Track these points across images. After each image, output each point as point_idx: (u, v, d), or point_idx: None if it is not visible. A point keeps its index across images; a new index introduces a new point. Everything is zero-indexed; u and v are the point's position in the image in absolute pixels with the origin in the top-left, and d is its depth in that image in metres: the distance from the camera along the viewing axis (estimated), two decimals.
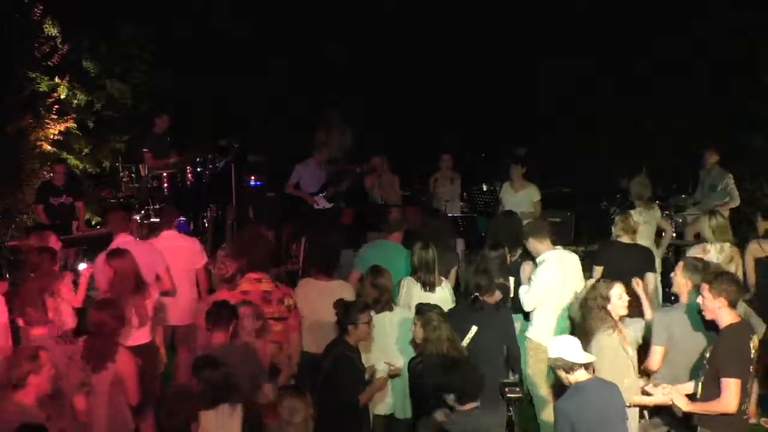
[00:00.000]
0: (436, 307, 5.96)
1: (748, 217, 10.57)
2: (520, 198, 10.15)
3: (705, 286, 5.40)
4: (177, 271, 7.51)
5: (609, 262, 7.31)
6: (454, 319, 6.13)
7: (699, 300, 5.47)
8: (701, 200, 10.58)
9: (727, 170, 10.63)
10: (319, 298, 6.72)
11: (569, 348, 5.13)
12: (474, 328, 6.17)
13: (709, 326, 5.57)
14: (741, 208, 10.59)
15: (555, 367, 5.18)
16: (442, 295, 6.80)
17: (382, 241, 7.81)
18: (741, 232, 9.22)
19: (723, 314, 5.36)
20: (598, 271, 7.27)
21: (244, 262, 6.93)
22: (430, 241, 7.02)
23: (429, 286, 6.81)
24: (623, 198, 11.53)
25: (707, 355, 5.42)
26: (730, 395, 5.23)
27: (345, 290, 6.78)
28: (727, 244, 7.35)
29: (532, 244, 7.06)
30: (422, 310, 5.95)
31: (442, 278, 7.02)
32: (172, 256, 7.56)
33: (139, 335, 6.67)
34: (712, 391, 5.32)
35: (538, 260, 7.03)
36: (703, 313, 5.46)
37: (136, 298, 6.62)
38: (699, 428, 5.47)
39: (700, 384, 5.47)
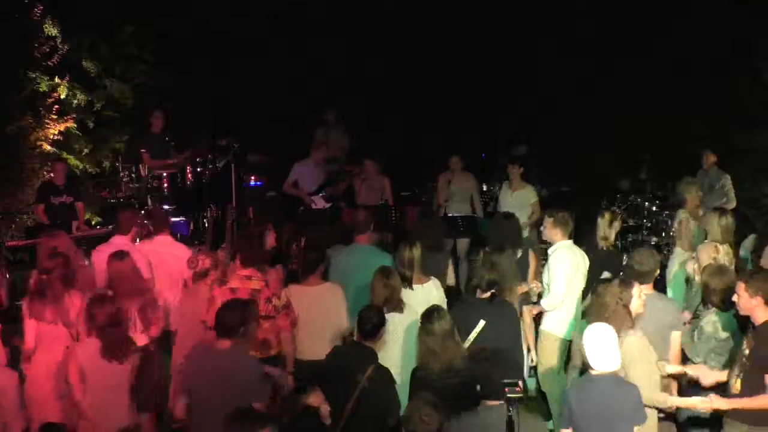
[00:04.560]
0: (439, 317, 5.74)
1: (748, 219, 10.62)
2: (517, 199, 10.14)
3: (741, 285, 5.41)
4: (173, 276, 7.49)
5: None
6: (463, 313, 6.17)
7: (734, 298, 5.48)
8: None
9: (726, 171, 10.65)
10: (308, 305, 6.69)
11: (598, 345, 5.09)
12: (481, 323, 6.16)
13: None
14: (739, 208, 10.59)
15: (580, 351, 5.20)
16: (423, 294, 6.75)
17: (354, 245, 7.75)
18: (741, 233, 9.23)
19: (759, 312, 5.37)
20: None
21: (237, 258, 6.99)
22: (418, 240, 7.04)
23: (406, 282, 6.75)
24: (623, 198, 11.58)
25: (746, 351, 5.37)
26: None
27: (336, 293, 6.76)
28: (727, 246, 7.30)
29: (552, 231, 7.17)
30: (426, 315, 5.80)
31: (431, 278, 6.97)
32: (168, 261, 7.54)
33: (137, 338, 6.58)
34: (755, 387, 5.26)
35: (549, 251, 7.19)
36: (738, 310, 5.49)
37: (134, 301, 6.59)
38: (729, 420, 5.39)
39: (738, 380, 5.39)
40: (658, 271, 6.45)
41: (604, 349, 5.12)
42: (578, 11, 13.93)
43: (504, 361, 5.48)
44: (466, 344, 6.05)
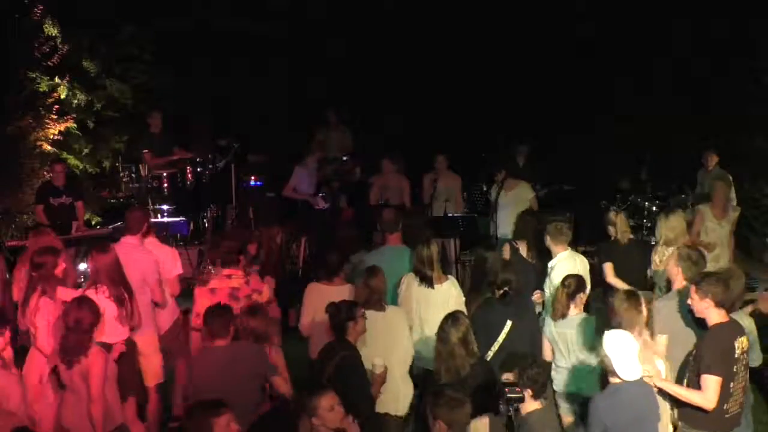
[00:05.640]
0: (453, 324, 5.76)
1: (748, 219, 10.61)
2: (512, 197, 10.10)
3: (692, 288, 5.45)
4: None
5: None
6: (488, 315, 6.28)
7: (689, 300, 5.51)
8: (700, 201, 10.58)
9: (727, 172, 10.66)
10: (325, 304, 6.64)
11: (622, 353, 5.01)
12: (509, 323, 6.27)
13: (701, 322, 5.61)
14: (740, 209, 10.58)
15: (601, 359, 5.14)
16: (443, 292, 6.78)
17: (383, 247, 7.72)
18: (741, 234, 9.24)
19: (711, 314, 5.41)
20: None
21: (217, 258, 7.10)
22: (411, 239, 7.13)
23: (427, 281, 6.80)
24: (623, 198, 11.58)
25: (694, 352, 5.46)
26: (709, 392, 5.26)
27: (352, 294, 6.74)
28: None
29: (549, 242, 7.39)
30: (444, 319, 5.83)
31: (449, 276, 7.02)
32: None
33: (114, 332, 6.51)
34: (696, 388, 5.36)
35: (549, 265, 7.32)
36: (694, 312, 5.51)
37: (115, 292, 6.52)
38: (681, 424, 5.51)
39: (685, 381, 5.49)
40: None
41: (629, 357, 5.02)
42: (578, 12, 13.92)
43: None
44: (495, 346, 6.18)
